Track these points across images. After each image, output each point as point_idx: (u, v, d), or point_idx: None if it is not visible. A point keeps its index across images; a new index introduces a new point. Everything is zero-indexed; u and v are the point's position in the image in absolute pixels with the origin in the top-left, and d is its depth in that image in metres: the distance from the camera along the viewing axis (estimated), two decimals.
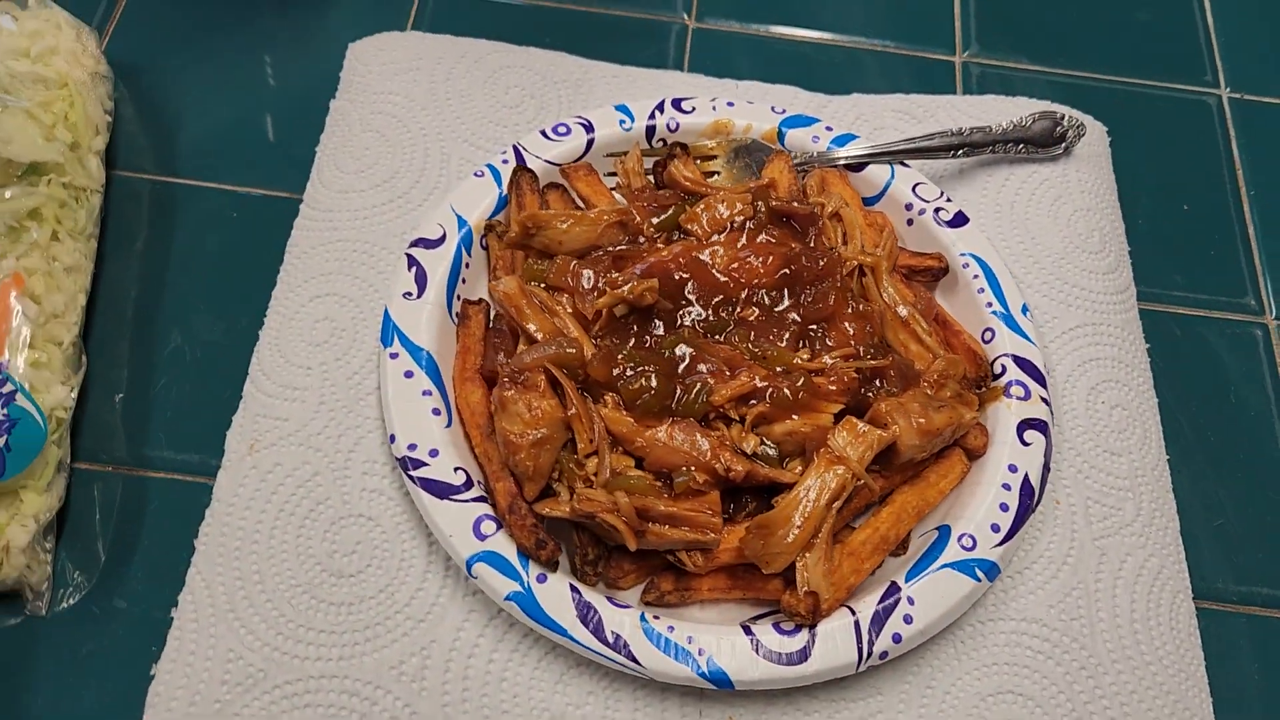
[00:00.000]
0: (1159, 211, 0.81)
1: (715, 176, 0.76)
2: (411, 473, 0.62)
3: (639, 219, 0.70)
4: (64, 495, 0.64)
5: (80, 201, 0.70)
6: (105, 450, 0.67)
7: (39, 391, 0.63)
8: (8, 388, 0.61)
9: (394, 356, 0.66)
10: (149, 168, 0.78)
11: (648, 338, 0.65)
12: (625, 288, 0.64)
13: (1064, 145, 0.79)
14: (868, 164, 0.76)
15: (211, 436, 0.67)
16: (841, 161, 0.76)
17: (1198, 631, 0.64)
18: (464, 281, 0.71)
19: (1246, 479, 0.70)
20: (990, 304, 0.70)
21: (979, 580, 0.61)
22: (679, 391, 0.63)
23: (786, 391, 0.62)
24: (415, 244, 0.70)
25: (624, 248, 0.68)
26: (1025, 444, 0.65)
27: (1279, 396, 0.74)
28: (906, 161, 0.76)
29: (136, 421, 0.68)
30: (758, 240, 0.68)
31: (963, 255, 0.72)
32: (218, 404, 0.68)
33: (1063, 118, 0.79)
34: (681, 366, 0.64)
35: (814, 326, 0.66)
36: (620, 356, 0.64)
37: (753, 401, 0.63)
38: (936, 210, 0.74)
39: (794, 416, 0.63)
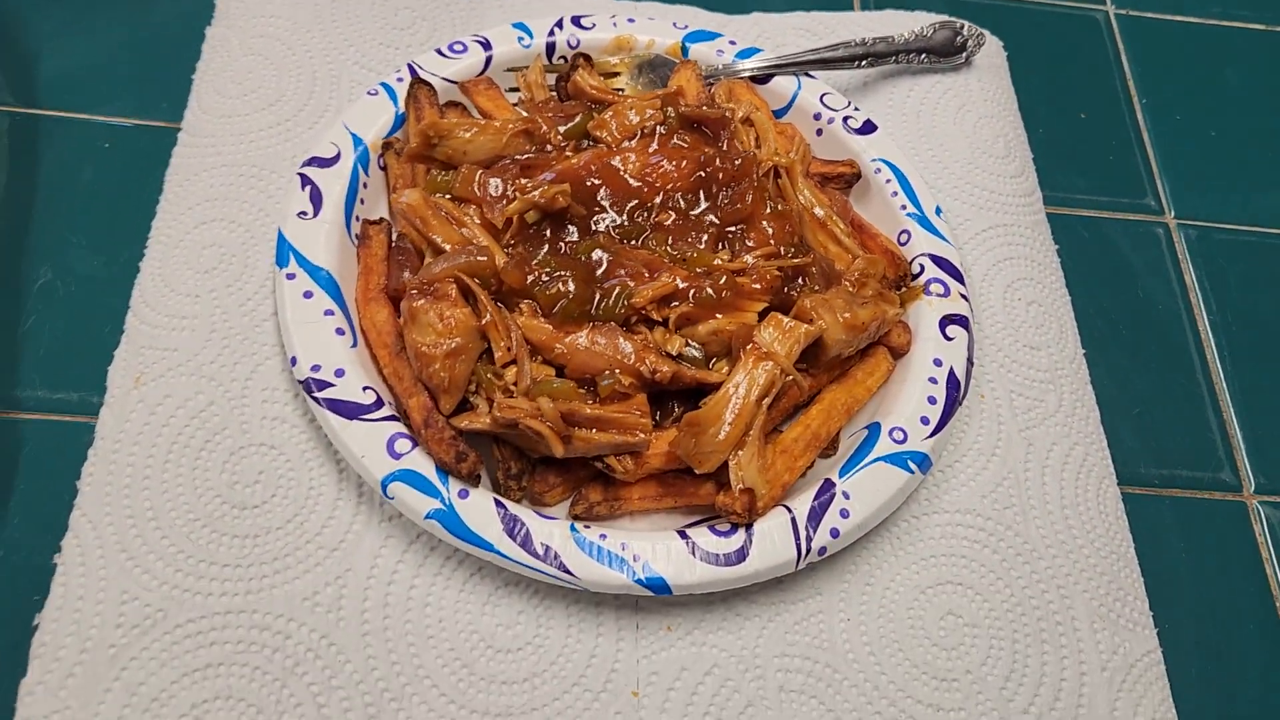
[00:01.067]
0: (1057, 121, 0.82)
1: (621, 92, 0.74)
2: (316, 394, 0.58)
3: (545, 128, 0.67)
4: None
5: None
6: None
7: None
8: None
9: (291, 277, 0.62)
10: (7, 100, 0.71)
11: (562, 244, 0.63)
12: (536, 192, 0.62)
13: (965, 55, 0.79)
14: (773, 76, 0.75)
15: (91, 374, 0.61)
16: (747, 73, 0.74)
17: (1124, 515, 0.64)
18: (362, 203, 0.67)
19: (1159, 368, 0.71)
20: (904, 206, 0.70)
21: (912, 472, 0.60)
22: (598, 296, 0.60)
23: (710, 291, 0.60)
24: (309, 163, 0.66)
25: (531, 156, 0.65)
26: (948, 339, 0.65)
27: (1183, 290, 0.75)
28: (812, 73, 0.75)
29: (6, 362, 0.62)
30: (670, 145, 0.66)
31: (874, 161, 0.72)
32: (97, 340, 0.63)
33: (962, 28, 0.80)
34: (599, 271, 0.61)
35: (732, 228, 0.65)
36: (534, 263, 0.61)
37: (675, 303, 0.60)
38: (845, 119, 0.73)
39: (718, 316, 0.61)
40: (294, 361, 0.59)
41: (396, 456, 0.57)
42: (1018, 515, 0.63)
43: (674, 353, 0.60)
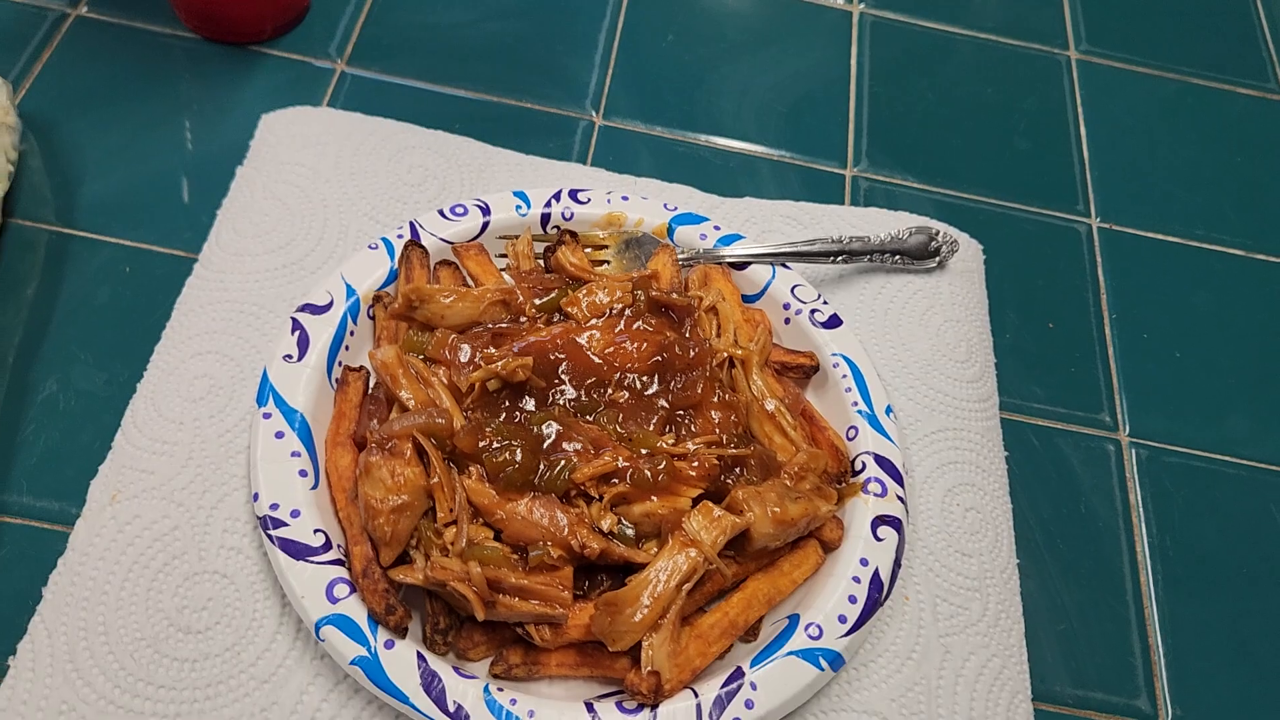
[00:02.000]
0: (1025, 328, 0.85)
1: (606, 265, 0.79)
2: (270, 531, 0.62)
3: (522, 299, 0.72)
4: None
5: None
6: None
7: None
8: None
9: (267, 416, 0.67)
10: (49, 218, 0.78)
11: (518, 414, 0.67)
12: (499, 363, 0.66)
13: (938, 259, 0.83)
14: (750, 263, 0.79)
15: (74, 486, 0.66)
16: (727, 259, 0.79)
17: None
18: (347, 349, 0.72)
19: (1091, 587, 0.73)
20: (856, 403, 0.73)
21: (822, 669, 0.62)
22: (543, 467, 0.64)
23: (647, 473, 0.64)
24: (302, 309, 0.72)
25: (505, 325, 0.70)
26: (879, 539, 0.68)
27: (1126, 509, 0.77)
28: (789, 264, 0.80)
29: (1, 466, 0.67)
30: (634, 327, 0.71)
31: (834, 355, 0.75)
32: (85, 454, 0.68)
33: (937, 233, 0.84)
34: (547, 443, 0.65)
35: (681, 412, 0.68)
36: (488, 430, 0.65)
37: (614, 481, 0.64)
38: (813, 311, 0.77)
39: (653, 498, 0.64)
40: (255, 497, 0.64)
41: (334, 600, 0.61)
42: None
43: (607, 529, 0.63)
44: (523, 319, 0.71)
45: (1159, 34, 1.08)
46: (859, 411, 0.73)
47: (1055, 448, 0.79)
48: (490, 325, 0.70)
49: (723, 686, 0.61)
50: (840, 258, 0.80)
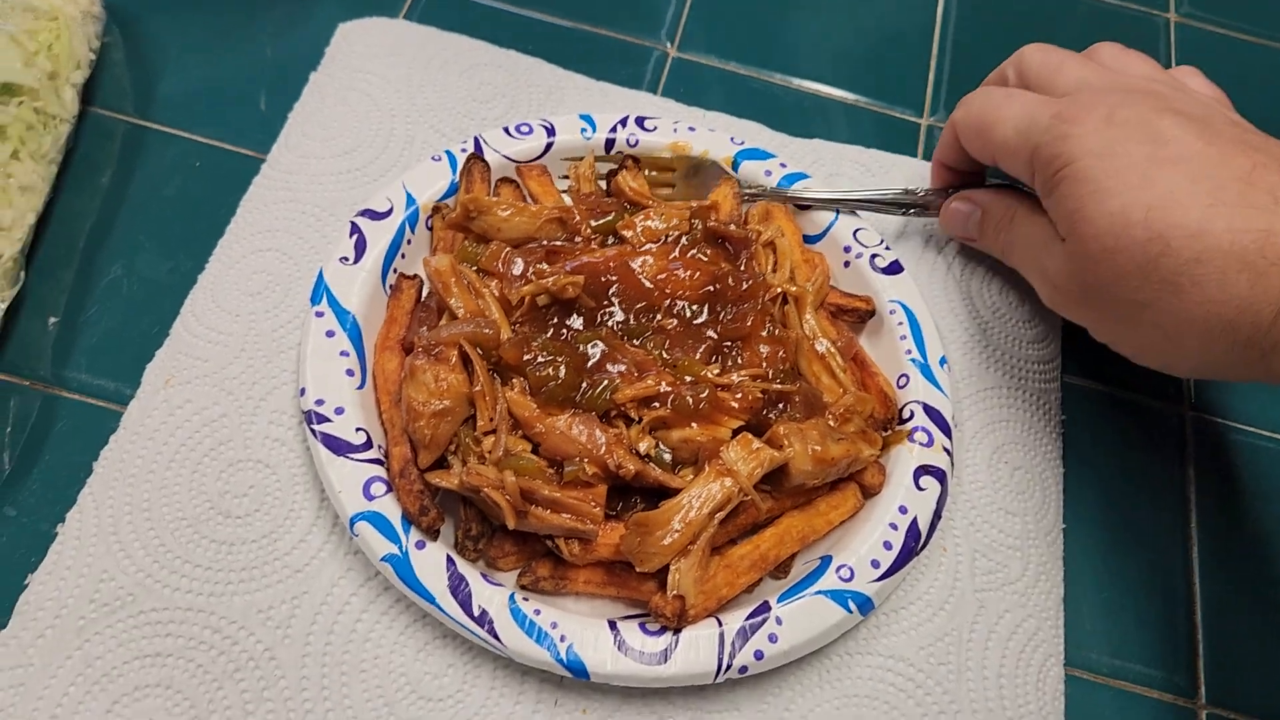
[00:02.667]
0: None
1: (669, 190, 0.78)
2: (314, 426, 0.63)
3: (579, 219, 0.71)
4: None
5: (48, 128, 0.72)
6: (28, 366, 0.68)
7: None
8: None
9: (319, 315, 0.67)
10: (126, 110, 0.80)
11: (565, 331, 0.67)
12: (551, 279, 0.66)
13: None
14: (815, 205, 0.78)
15: (132, 367, 0.68)
16: (794, 200, 0.77)
17: (1063, 696, 0.64)
18: (403, 257, 0.72)
19: (1139, 558, 0.71)
20: (910, 351, 0.72)
21: (850, 611, 0.61)
22: (585, 385, 0.64)
23: (689, 399, 0.63)
24: (361, 214, 0.72)
25: (559, 244, 0.70)
26: (920, 489, 0.66)
27: (1182, 485, 0.74)
28: (857, 211, 0.78)
29: (64, 344, 0.69)
30: (689, 255, 0.70)
31: (891, 302, 0.74)
32: (144, 338, 0.69)
33: None
34: (591, 362, 0.65)
35: (729, 344, 0.68)
36: (534, 344, 0.65)
37: (655, 404, 0.64)
38: (873, 256, 0.76)
39: (693, 425, 0.64)
40: (303, 392, 0.65)
41: (370, 498, 0.61)
42: (951, 673, 0.63)
43: (644, 452, 0.63)
44: (578, 239, 0.71)
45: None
46: (912, 360, 0.71)
47: (1116, 417, 0.77)
48: (545, 242, 0.70)
49: (747, 618, 0.61)
50: (912, 210, 0.78)
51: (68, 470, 0.64)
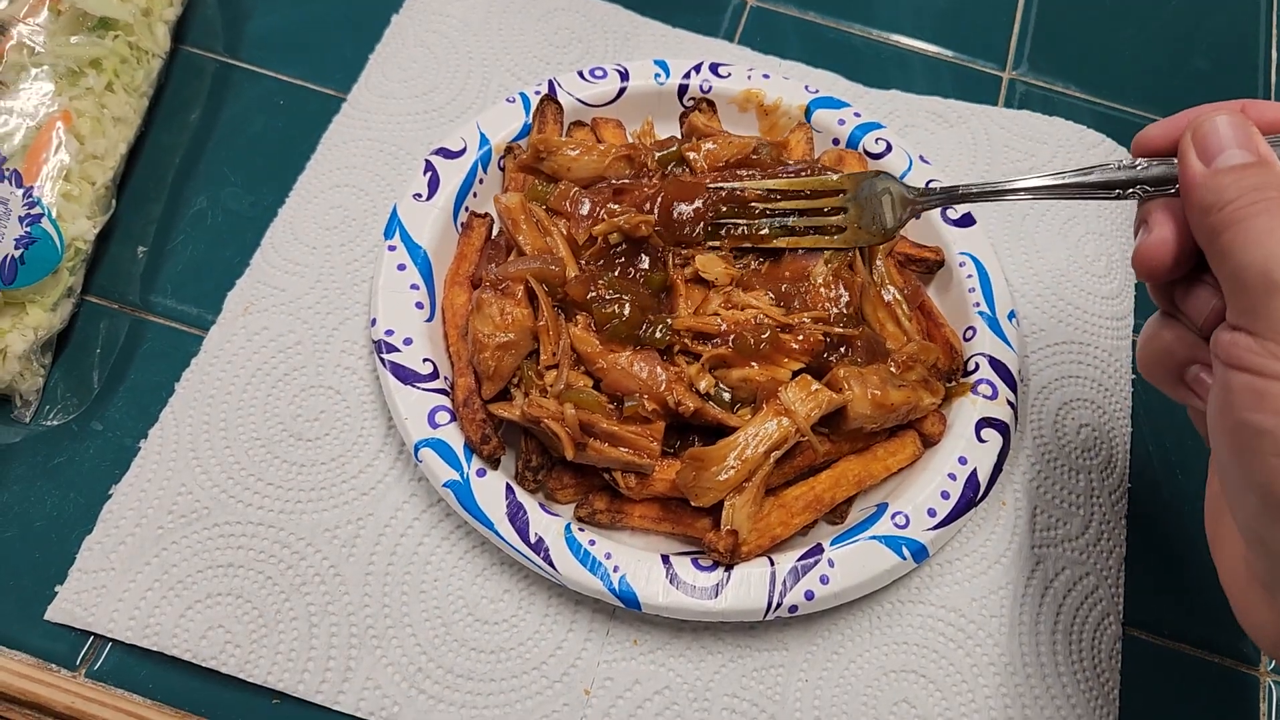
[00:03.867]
0: None
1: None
2: (383, 355, 0.65)
3: (644, 155, 0.72)
4: (68, 319, 0.68)
5: (141, 62, 0.75)
6: (117, 290, 0.71)
7: (64, 220, 0.67)
8: (36, 210, 0.66)
9: (392, 249, 0.69)
10: (216, 48, 0.82)
11: (633, 270, 0.67)
12: (622, 217, 0.66)
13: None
14: (889, 153, 0.77)
15: (213, 294, 0.71)
16: (986, 195, 0.62)
17: (1119, 655, 0.64)
18: (475, 195, 0.73)
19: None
20: (978, 304, 0.71)
21: (903, 558, 0.61)
22: (646, 323, 0.65)
23: (750, 339, 0.63)
24: (436, 152, 0.73)
25: (627, 181, 0.70)
26: (982, 440, 0.66)
27: None
28: (927, 158, 0.77)
29: (151, 270, 0.72)
30: None
31: (961, 254, 0.73)
32: (226, 267, 0.72)
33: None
34: (657, 302, 0.66)
35: (793, 284, 0.67)
36: (600, 281, 0.66)
37: (715, 342, 0.64)
38: (945, 208, 0.75)
39: (753, 365, 0.64)
40: (373, 322, 0.66)
41: (434, 426, 0.63)
42: (1003, 626, 0.63)
43: (703, 390, 0.64)
44: (645, 174, 0.71)
45: None
46: (979, 313, 0.71)
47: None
48: (614, 180, 0.70)
49: (800, 559, 0.61)
50: (1132, 190, 0.54)
51: (151, 390, 0.67)
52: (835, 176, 0.67)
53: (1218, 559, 0.50)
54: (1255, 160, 0.46)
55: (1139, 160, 0.53)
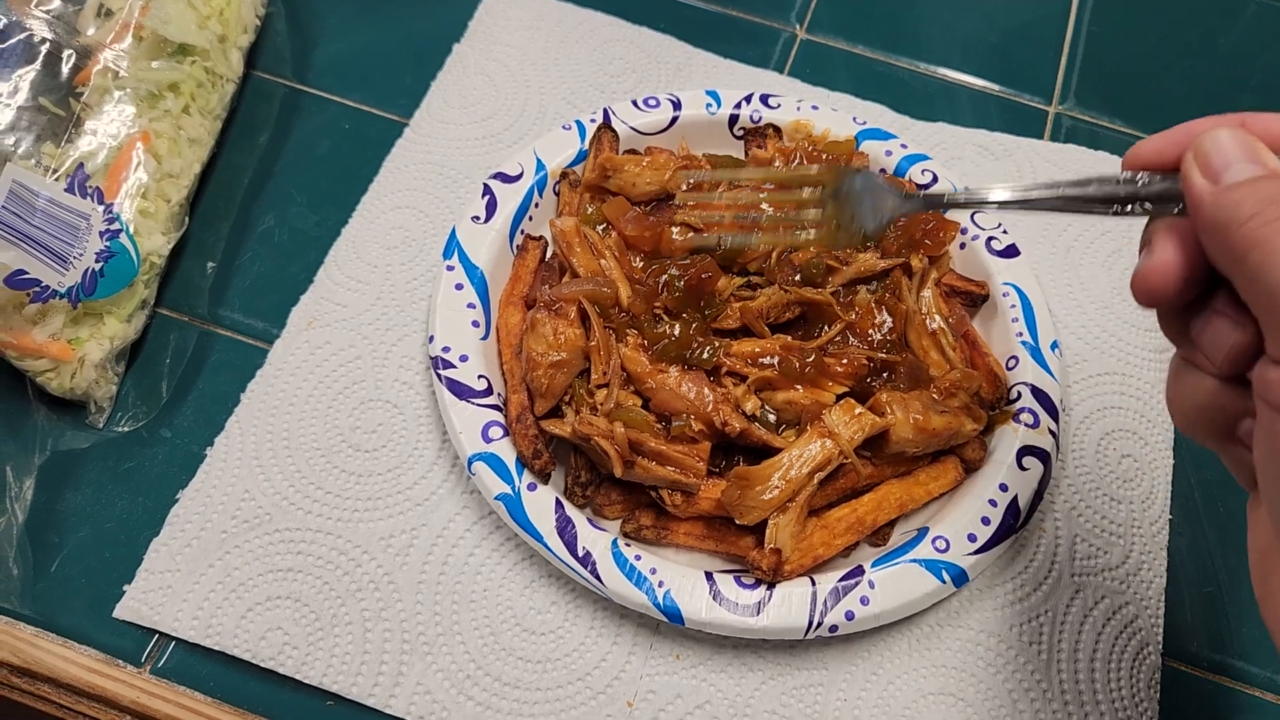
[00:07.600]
0: None
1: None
2: (440, 371, 0.67)
3: (703, 164, 0.74)
4: (142, 330, 0.71)
5: (216, 87, 0.79)
6: (188, 304, 0.74)
7: (141, 236, 0.71)
8: (115, 225, 0.69)
9: (450, 269, 0.72)
10: (285, 74, 0.86)
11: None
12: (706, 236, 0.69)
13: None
14: (934, 184, 0.78)
15: (279, 309, 0.74)
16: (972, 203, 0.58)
17: (1158, 686, 0.64)
18: (530, 219, 0.76)
19: (1246, 555, 0.69)
20: (1021, 334, 0.72)
21: (944, 582, 0.63)
22: (697, 345, 0.67)
23: (795, 362, 0.65)
24: (494, 176, 0.76)
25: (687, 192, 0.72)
26: (1023, 468, 0.67)
27: None
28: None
29: (220, 284, 0.75)
30: None
31: (1005, 285, 0.74)
32: (291, 283, 0.75)
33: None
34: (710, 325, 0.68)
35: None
36: (659, 300, 0.68)
37: (763, 360, 0.66)
38: (990, 239, 0.76)
39: (798, 388, 0.66)
40: (431, 339, 0.69)
41: (488, 440, 0.65)
42: (1042, 653, 0.64)
43: (749, 412, 0.65)
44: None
45: None
46: (1023, 342, 0.72)
47: None
48: (685, 187, 0.72)
49: (841, 579, 0.62)
50: (1131, 206, 0.51)
51: (218, 399, 0.70)
52: (814, 170, 0.64)
53: (1269, 618, 0.45)
54: (1266, 173, 0.42)
55: (1140, 175, 0.48)
